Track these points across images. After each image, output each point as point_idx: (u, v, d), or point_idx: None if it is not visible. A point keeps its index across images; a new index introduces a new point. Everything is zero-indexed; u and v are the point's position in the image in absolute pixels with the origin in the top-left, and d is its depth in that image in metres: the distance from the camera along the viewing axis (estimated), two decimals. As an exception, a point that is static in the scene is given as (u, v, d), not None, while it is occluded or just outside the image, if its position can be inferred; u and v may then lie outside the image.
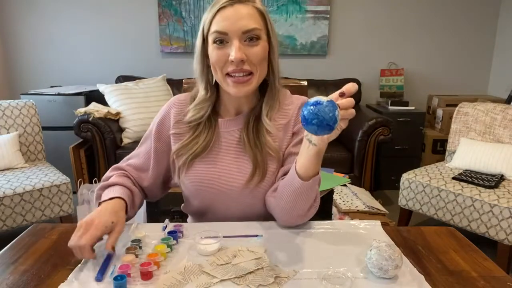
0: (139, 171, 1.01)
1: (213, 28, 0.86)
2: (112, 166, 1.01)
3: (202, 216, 1.02)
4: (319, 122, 0.67)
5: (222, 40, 0.85)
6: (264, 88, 0.96)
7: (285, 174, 0.94)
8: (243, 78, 0.87)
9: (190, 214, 1.08)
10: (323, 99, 0.68)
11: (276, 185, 0.94)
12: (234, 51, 0.84)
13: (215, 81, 0.93)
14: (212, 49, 0.87)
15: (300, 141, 0.94)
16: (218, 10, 0.85)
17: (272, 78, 0.94)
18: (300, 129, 0.97)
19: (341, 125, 0.71)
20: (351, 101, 0.70)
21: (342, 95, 0.71)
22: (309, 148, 0.78)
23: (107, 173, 0.99)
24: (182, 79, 1.24)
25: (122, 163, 1.02)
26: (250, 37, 0.85)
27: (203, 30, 0.90)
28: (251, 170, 0.93)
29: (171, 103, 1.01)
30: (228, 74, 0.87)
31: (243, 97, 0.92)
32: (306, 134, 0.78)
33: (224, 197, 0.95)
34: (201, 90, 0.96)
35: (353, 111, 0.71)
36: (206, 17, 0.89)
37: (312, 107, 0.67)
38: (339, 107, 0.69)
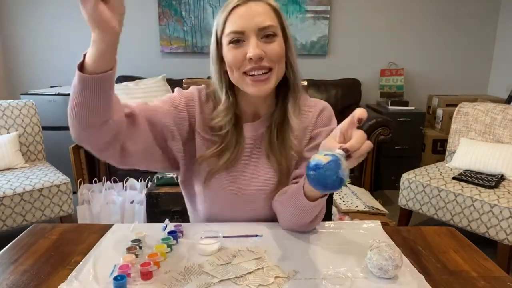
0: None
1: (227, 29, 0.83)
2: None
3: (207, 220, 1.00)
4: (323, 187, 0.63)
5: (239, 39, 0.83)
6: (281, 90, 0.92)
7: (296, 177, 0.93)
8: (261, 76, 0.83)
9: (192, 215, 1.07)
10: (322, 159, 0.62)
11: (284, 188, 0.93)
12: (252, 48, 0.81)
13: (232, 84, 0.90)
14: (228, 50, 0.84)
15: (316, 147, 0.93)
16: (232, 10, 0.83)
17: (293, 77, 0.91)
18: (317, 134, 0.94)
19: (356, 162, 0.66)
20: (361, 138, 0.64)
21: (359, 121, 0.65)
22: None
23: None
24: (182, 79, 1.24)
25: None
26: (266, 34, 0.83)
27: (216, 33, 0.87)
28: (276, 180, 0.92)
29: (194, 91, 0.94)
30: (246, 73, 0.84)
31: (261, 98, 0.90)
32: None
33: (244, 205, 0.95)
34: (222, 96, 0.91)
35: (365, 147, 0.64)
36: (218, 19, 0.86)
37: (312, 172, 0.62)
38: (346, 154, 0.63)
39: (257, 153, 0.94)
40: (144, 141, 0.84)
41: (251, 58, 0.81)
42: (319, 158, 0.63)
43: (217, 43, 0.88)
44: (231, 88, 0.91)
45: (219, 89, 0.91)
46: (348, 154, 0.63)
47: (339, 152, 0.63)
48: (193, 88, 0.96)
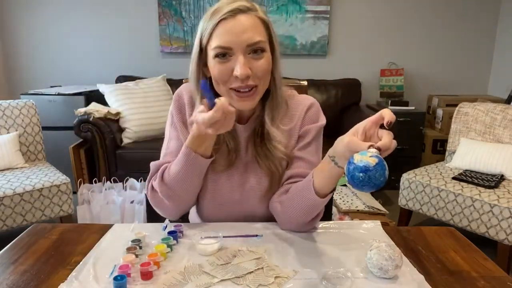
0: None
1: (214, 42, 0.81)
2: (153, 177, 0.92)
3: (205, 220, 1.01)
4: (370, 188, 0.65)
5: (225, 54, 0.81)
6: (267, 96, 0.92)
7: (289, 178, 0.93)
8: (247, 93, 0.83)
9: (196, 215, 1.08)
10: (370, 161, 0.63)
11: (281, 189, 0.93)
12: (239, 67, 0.79)
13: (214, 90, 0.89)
14: (213, 64, 0.83)
15: (307, 145, 0.94)
16: (219, 22, 0.80)
17: (274, 89, 0.90)
18: (306, 132, 0.94)
19: None
20: (391, 136, 0.68)
21: (389, 124, 0.69)
22: (333, 167, 0.76)
23: (155, 176, 0.91)
24: (182, 79, 1.24)
25: (159, 167, 0.93)
26: (254, 50, 0.81)
27: (201, 40, 0.84)
28: (268, 181, 0.93)
29: (181, 91, 0.96)
30: (232, 89, 0.83)
31: None
32: (332, 155, 0.76)
33: (238, 206, 0.96)
34: (197, 104, 0.89)
35: (393, 146, 0.68)
36: (205, 27, 0.83)
37: (361, 174, 0.63)
38: (379, 151, 0.66)
39: (248, 154, 0.95)
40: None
41: (237, 77, 0.80)
42: (366, 160, 0.64)
43: (200, 49, 0.85)
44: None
45: (195, 94, 0.91)
46: (379, 150, 0.66)
47: (373, 151, 0.65)
48: (176, 96, 0.96)
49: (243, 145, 0.95)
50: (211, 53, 0.83)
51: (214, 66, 0.83)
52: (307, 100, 0.98)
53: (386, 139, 0.67)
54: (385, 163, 0.64)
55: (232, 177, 0.94)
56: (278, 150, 0.91)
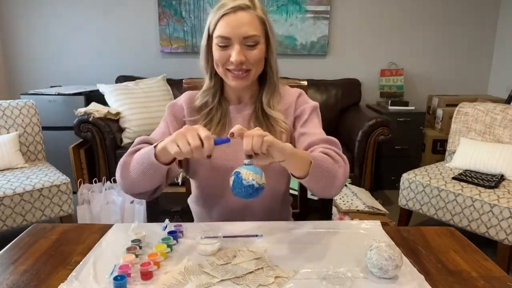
0: None
1: (217, 32, 0.95)
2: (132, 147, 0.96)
3: (212, 206, 1.04)
4: (245, 197, 0.73)
5: (225, 43, 0.95)
6: (264, 81, 1.05)
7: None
8: (241, 74, 0.96)
9: (197, 206, 1.10)
10: (230, 181, 0.74)
11: None
12: (235, 54, 0.93)
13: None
14: (215, 49, 0.97)
15: (306, 121, 1.04)
16: (223, 16, 0.94)
17: (270, 72, 1.03)
18: (302, 111, 1.04)
19: (266, 159, 0.76)
20: (246, 138, 0.73)
21: (231, 135, 0.75)
22: (281, 163, 0.81)
23: (132, 149, 0.95)
24: (182, 79, 1.25)
25: (140, 143, 0.98)
26: (249, 42, 0.95)
27: (208, 29, 0.99)
28: None
29: (182, 94, 1.10)
30: (228, 70, 0.97)
31: (243, 87, 1.01)
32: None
33: None
34: (206, 80, 1.05)
35: (256, 141, 0.72)
36: (211, 18, 0.98)
37: (233, 192, 0.74)
38: (250, 159, 0.73)
39: (251, 127, 1.00)
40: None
41: (233, 62, 0.94)
42: (230, 179, 0.74)
43: (208, 36, 0.99)
44: (216, 74, 1.03)
45: (205, 73, 1.05)
46: (250, 156, 0.73)
47: (244, 162, 0.74)
48: (182, 95, 1.09)
49: (242, 121, 1.03)
50: (215, 40, 0.97)
51: (216, 51, 0.98)
52: (298, 90, 1.10)
53: (243, 144, 0.73)
54: (242, 175, 0.72)
55: (233, 150, 0.99)
56: (279, 123, 1.01)
